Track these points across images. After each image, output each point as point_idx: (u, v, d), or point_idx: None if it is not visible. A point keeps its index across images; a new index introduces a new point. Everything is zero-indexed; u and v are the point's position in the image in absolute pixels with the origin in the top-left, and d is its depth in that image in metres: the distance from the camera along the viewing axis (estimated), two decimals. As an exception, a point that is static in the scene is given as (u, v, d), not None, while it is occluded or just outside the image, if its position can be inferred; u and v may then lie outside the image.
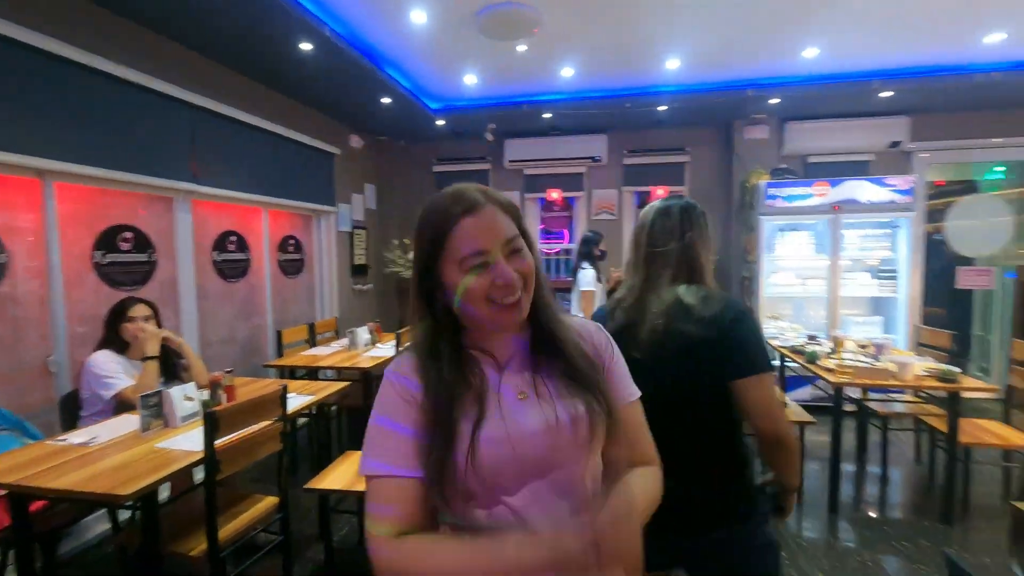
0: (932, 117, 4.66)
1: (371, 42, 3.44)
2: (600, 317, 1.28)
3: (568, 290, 3.87)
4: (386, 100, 4.22)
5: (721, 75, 4.13)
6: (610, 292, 4.06)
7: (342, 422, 3.83)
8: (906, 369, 2.59)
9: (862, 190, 4.27)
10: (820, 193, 4.31)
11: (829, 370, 2.75)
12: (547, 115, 4.75)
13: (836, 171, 4.64)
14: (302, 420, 3.73)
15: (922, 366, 2.71)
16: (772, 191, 4.39)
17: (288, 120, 4.07)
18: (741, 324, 1.11)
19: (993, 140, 4.67)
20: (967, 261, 4.78)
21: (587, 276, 3.65)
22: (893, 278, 4.39)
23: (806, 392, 4.20)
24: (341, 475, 2.18)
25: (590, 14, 3.06)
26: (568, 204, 5.67)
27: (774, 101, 4.36)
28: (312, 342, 3.86)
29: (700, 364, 1.11)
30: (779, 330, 4.02)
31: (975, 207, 4.56)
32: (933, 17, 3.11)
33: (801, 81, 4.06)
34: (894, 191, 4.23)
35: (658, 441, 0.85)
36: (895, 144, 4.69)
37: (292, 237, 4.40)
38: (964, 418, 2.68)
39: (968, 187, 5.67)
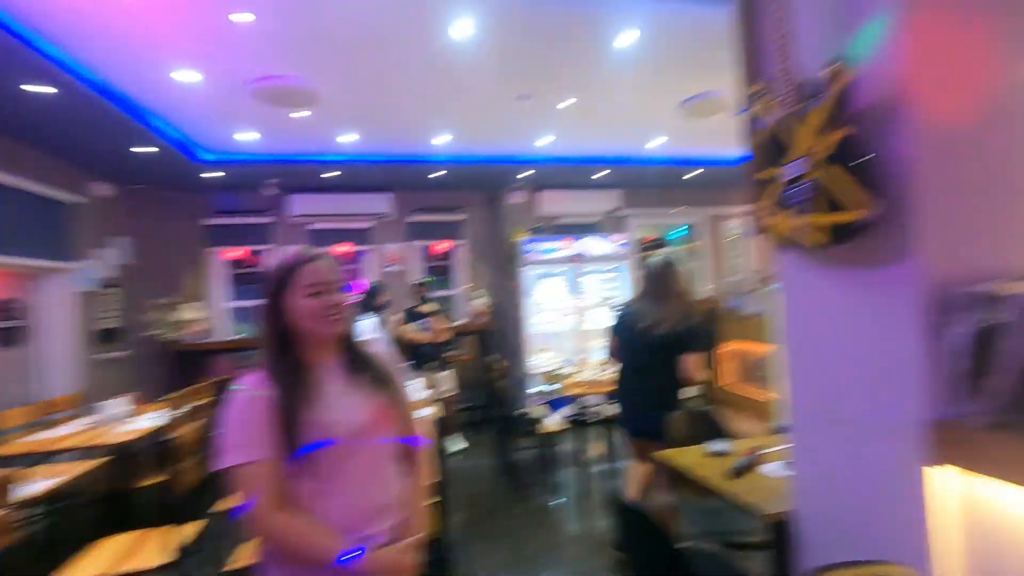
0: (637, 191, 6.30)
1: (128, 91, 3.25)
2: (623, 314, 2.68)
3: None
4: (146, 148, 3.92)
5: (488, 150, 4.96)
6: (400, 340, 4.37)
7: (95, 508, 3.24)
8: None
9: (595, 245, 5.51)
10: (565, 247, 5.41)
11: (570, 386, 3.52)
12: (332, 173, 4.97)
13: (577, 230, 5.89)
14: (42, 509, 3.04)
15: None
16: (530, 246, 5.34)
17: (6, 164, 3.47)
18: (695, 330, 2.45)
19: (675, 209, 6.53)
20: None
21: (366, 326, 3.84)
22: (620, 312, 5.69)
23: (569, 409, 5.08)
24: (91, 564, 1.96)
25: (366, 93, 3.47)
26: (357, 257, 5.88)
27: (528, 173, 5.39)
28: (46, 424, 3.22)
29: (671, 344, 2.41)
30: (544, 361, 4.85)
31: (657, 255, 6.23)
32: (622, 123, 4.38)
33: (545, 160, 5.14)
34: (614, 245, 5.57)
35: (643, 376, 2.50)
36: (614, 210, 6.19)
37: (9, 301, 3.64)
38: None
39: (662, 243, 7.71)
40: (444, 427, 4.55)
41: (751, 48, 1.43)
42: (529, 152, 5.02)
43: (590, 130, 4.47)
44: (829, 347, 1.31)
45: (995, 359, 0.95)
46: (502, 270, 5.92)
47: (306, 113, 3.68)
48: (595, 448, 4.15)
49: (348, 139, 4.33)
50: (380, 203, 5.64)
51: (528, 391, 5.30)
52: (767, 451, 1.87)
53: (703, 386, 4.34)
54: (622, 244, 5.56)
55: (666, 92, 3.66)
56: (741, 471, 1.73)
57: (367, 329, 3.80)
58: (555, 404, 4.95)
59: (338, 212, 5.54)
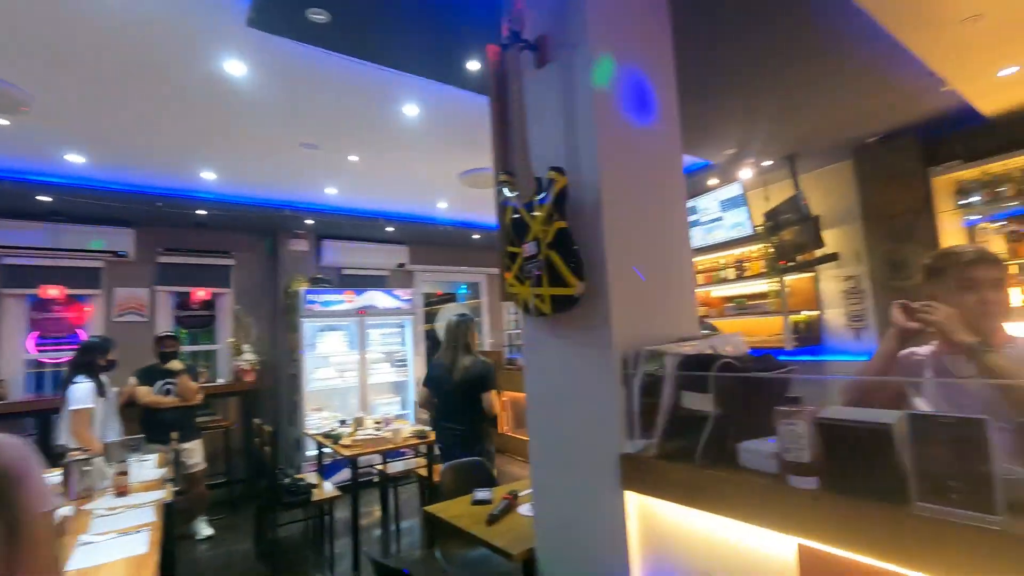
0: (423, 247, 6.54)
1: None
2: (430, 366, 3.27)
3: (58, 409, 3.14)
4: None
5: (262, 193, 4.59)
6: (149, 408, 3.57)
7: None
8: (398, 433, 3.45)
9: (380, 298, 5.47)
10: (349, 300, 5.25)
11: (346, 446, 3.34)
12: (45, 198, 3.97)
13: (364, 282, 5.79)
14: None
15: (411, 429, 3.66)
16: (311, 296, 5.04)
17: None
18: (488, 371, 3.02)
19: (460, 268, 6.95)
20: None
21: (81, 391, 3.01)
22: (405, 366, 5.70)
23: (345, 473, 4.77)
24: None
25: (99, 108, 2.93)
26: (77, 302, 4.69)
27: (310, 221, 5.15)
28: None
29: (473, 385, 2.96)
30: (320, 420, 4.51)
31: (450, 311, 6.55)
32: (408, 184, 4.56)
33: (331, 210, 5.00)
34: (400, 300, 5.62)
35: (456, 416, 3.00)
36: (401, 265, 6.29)
37: None
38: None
39: (451, 298, 8.11)
40: (188, 510, 3.81)
41: (502, 142, 1.70)
42: (314, 200, 4.83)
43: (377, 186, 4.55)
44: (557, 396, 1.55)
45: (658, 404, 1.27)
46: (277, 322, 5.41)
47: (5, 123, 2.92)
48: (375, 511, 3.96)
49: (73, 159, 3.55)
50: (118, 239, 4.68)
51: (304, 455, 4.83)
52: (523, 493, 2.07)
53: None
54: (407, 299, 5.65)
55: (447, 162, 3.98)
56: (497, 516, 1.87)
57: (81, 395, 3.02)
58: (331, 468, 4.61)
59: (53, 247, 4.39)
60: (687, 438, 1.21)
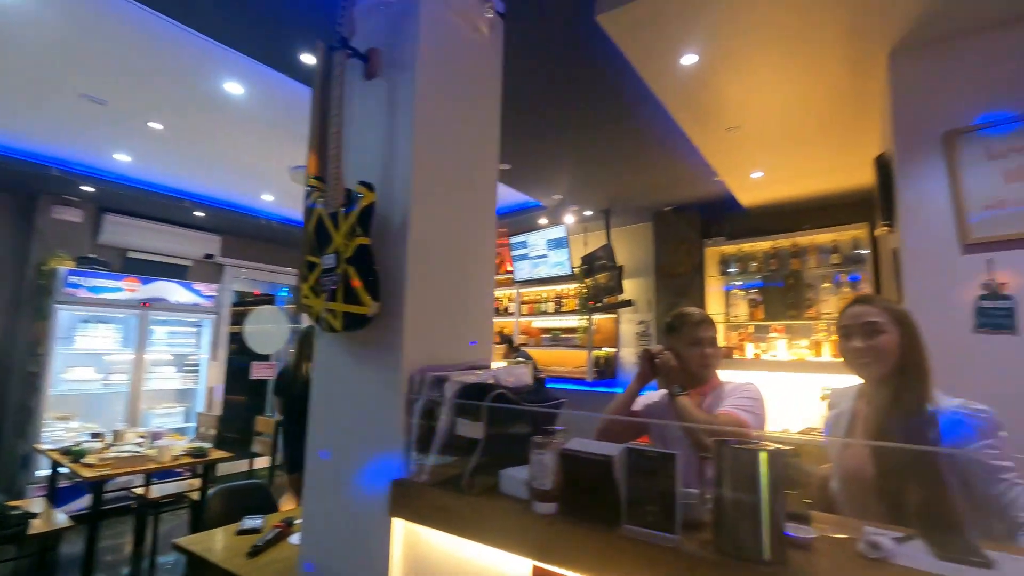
0: (240, 240, 5.85)
1: None
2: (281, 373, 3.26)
3: None
4: None
5: (21, 142, 3.66)
6: None
7: None
8: (164, 451, 2.95)
9: (175, 291, 4.72)
10: (131, 288, 4.43)
11: (89, 465, 2.75)
12: None
13: (155, 270, 4.93)
14: None
15: (182, 447, 3.17)
16: (76, 279, 4.13)
17: None
18: None
19: (283, 268, 6.36)
20: (264, 357, 6.07)
21: None
22: (196, 371, 4.96)
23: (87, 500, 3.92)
24: None
25: None
26: None
27: (88, 188, 4.25)
28: None
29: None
30: (66, 432, 3.66)
31: (265, 315, 5.95)
32: (229, 169, 4.06)
33: (116, 179, 4.19)
34: (202, 296, 4.92)
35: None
36: (209, 256, 5.53)
37: None
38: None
39: (270, 299, 7.36)
40: None
41: (318, 145, 1.61)
42: (97, 164, 4.01)
43: (186, 163, 3.96)
44: (340, 416, 1.49)
45: (435, 430, 1.29)
46: (21, 306, 4.29)
47: None
48: (128, 544, 3.29)
49: None
50: None
51: (32, 476, 3.84)
52: (299, 521, 1.91)
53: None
54: (209, 296, 4.98)
55: (276, 153, 3.66)
56: (261, 548, 1.70)
57: None
58: (68, 492, 3.74)
59: None
60: (458, 465, 1.24)
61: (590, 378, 4.87)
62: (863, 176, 3.39)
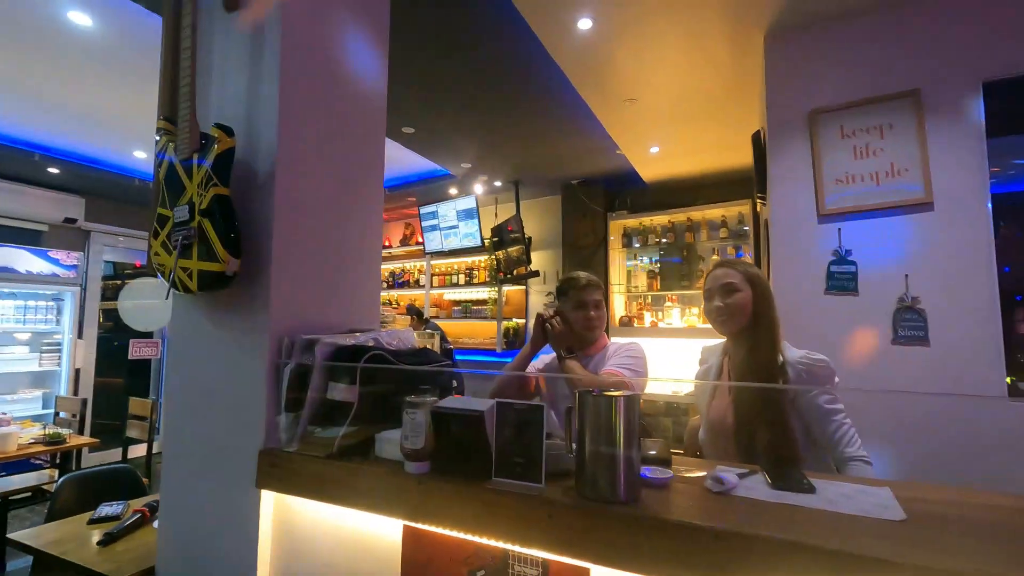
0: (112, 203, 5.17)
1: None
2: None
3: None
4: None
5: None
6: None
7: None
8: (7, 440, 2.58)
9: (23, 259, 4.08)
10: (-36, 255, 3.77)
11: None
12: None
13: (1, 235, 4.23)
14: None
15: (37, 433, 2.79)
16: None
17: None
18: None
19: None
20: (146, 336, 5.48)
21: None
22: (58, 351, 4.38)
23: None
24: None
25: None
26: None
27: (-102, 134, 3.51)
28: None
29: None
30: None
31: (145, 288, 5.35)
32: (88, 119, 3.52)
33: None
34: (60, 265, 4.31)
35: None
36: (71, 220, 4.84)
37: None
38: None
39: (152, 272, 6.63)
40: None
41: (169, 84, 1.42)
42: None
43: (34, 110, 3.39)
44: (200, 387, 1.35)
45: (305, 396, 1.21)
46: None
47: None
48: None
49: None
50: None
51: None
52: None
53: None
54: (70, 265, 4.38)
55: (147, 103, 3.22)
56: (115, 535, 1.53)
57: None
58: None
59: None
60: (330, 431, 1.18)
61: (500, 349, 4.92)
62: (747, 154, 3.66)
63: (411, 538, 1.04)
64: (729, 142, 3.37)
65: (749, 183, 4.14)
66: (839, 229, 1.92)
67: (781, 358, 1.35)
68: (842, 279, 1.90)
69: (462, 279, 5.39)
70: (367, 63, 1.60)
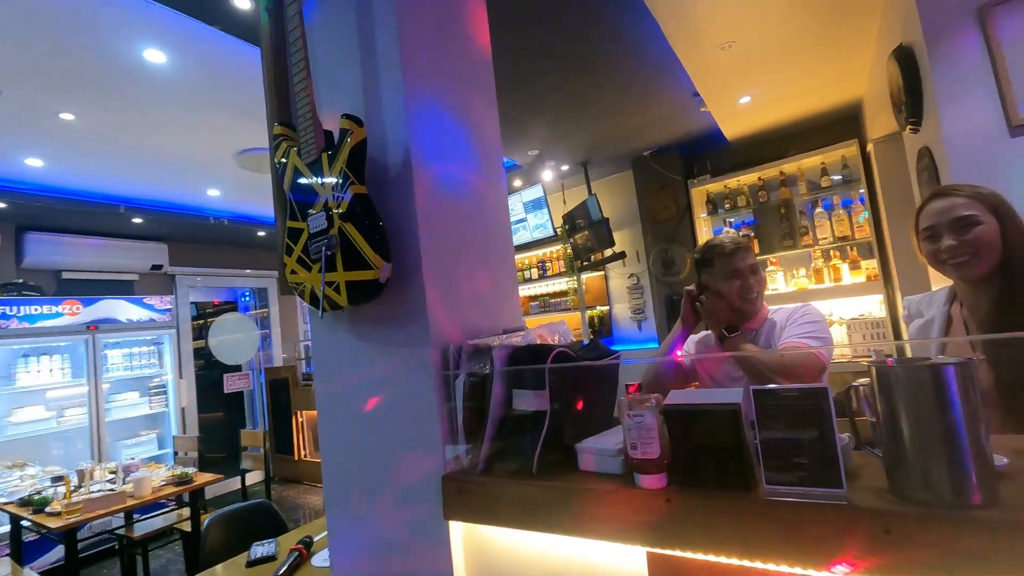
0: (190, 245, 5.34)
1: None
2: None
3: None
4: None
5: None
6: None
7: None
8: (142, 484, 2.61)
9: (121, 309, 4.24)
10: (71, 312, 3.94)
11: (55, 514, 2.39)
12: None
13: (98, 289, 4.42)
14: None
15: (162, 476, 2.82)
16: (3, 309, 3.62)
17: None
18: None
19: (240, 271, 5.88)
20: (235, 369, 5.65)
21: None
22: (164, 393, 4.53)
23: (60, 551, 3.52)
24: None
25: None
26: None
27: (0, 205, 3.70)
28: None
29: None
30: (20, 481, 3.23)
31: (229, 324, 5.50)
32: (164, 163, 3.58)
33: (31, 189, 3.66)
34: (155, 310, 4.45)
35: None
36: (157, 267, 5.02)
37: None
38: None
39: (231, 306, 6.85)
40: None
41: (279, 87, 1.30)
42: (6, 175, 3.47)
43: (112, 161, 3.48)
44: (358, 410, 1.22)
45: (485, 408, 1.04)
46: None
47: None
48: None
49: None
50: None
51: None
52: (319, 538, 1.65)
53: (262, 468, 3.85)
54: (165, 309, 4.52)
55: (217, 136, 3.23)
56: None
57: None
58: (37, 547, 3.33)
59: None
60: (520, 446, 1.01)
61: (586, 340, 4.70)
62: (852, 89, 3.26)
63: (661, 568, 0.85)
64: (832, 75, 3.00)
65: (852, 122, 3.73)
66: (1041, 140, 1.58)
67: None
68: (1056, 199, 1.56)
69: (535, 273, 5.21)
70: (471, 31, 1.43)
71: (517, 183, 4.78)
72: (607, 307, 4.89)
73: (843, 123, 3.70)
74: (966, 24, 1.69)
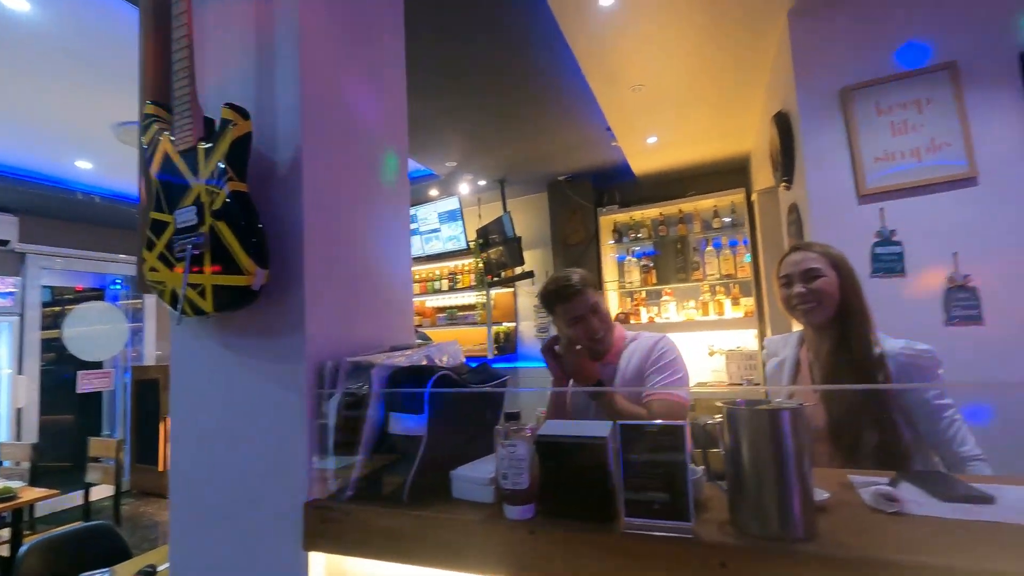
0: (49, 222, 4.64)
1: None
2: None
3: None
4: None
5: None
6: None
7: None
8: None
9: (-52, 288, 3.57)
10: None
11: None
12: None
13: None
14: None
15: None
16: None
17: None
18: None
19: (111, 255, 5.21)
20: (95, 366, 4.96)
21: None
22: (-5, 390, 3.87)
23: None
24: None
25: None
26: None
27: None
28: None
29: None
30: None
31: (91, 314, 4.85)
32: (25, 124, 3.09)
33: None
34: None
35: None
36: (3, 242, 4.31)
37: None
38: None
39: (98, 294, 6.04)
40: None
41: (156, 60, 1.16)
42: None
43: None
44: (218, 427, 1.11)
45: (359, 430, 0.99)
46: None
47: None
48: None
49: None
50: None
51: None
52: (163, 568, 1.47)
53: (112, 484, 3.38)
54: (6, 293, 3.88)
55: (94, 104, 2.85)
56: (109, 615, 1.25)
57: None
58: None
59: None
60: (395, 472, 0.96)
61: (491, 355, 4.72)
62: (742, 142, 3.62)
63: (522, 601, 0.84)
64: (728, 129, 3.31)
65: (741, 172, 4.12)
66: (881, 209, 1.85)
67: (879, 350, 1.23)
68: (888, 261, 1.82)
69: (446, 284, 5.15)
70: (383, 32, 1.39)
71: (433, 192, 4.73)
72: (514, 323, 4.94)
73: (734, 172, 4.09)
74: (831, 102, 1.95)
